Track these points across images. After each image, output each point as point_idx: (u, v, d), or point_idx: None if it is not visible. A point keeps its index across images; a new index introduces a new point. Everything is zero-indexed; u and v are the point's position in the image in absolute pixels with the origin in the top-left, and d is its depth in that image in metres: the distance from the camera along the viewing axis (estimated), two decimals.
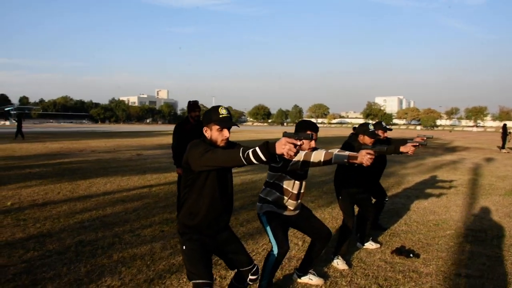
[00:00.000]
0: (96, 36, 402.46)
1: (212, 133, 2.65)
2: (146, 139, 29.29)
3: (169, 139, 28.87)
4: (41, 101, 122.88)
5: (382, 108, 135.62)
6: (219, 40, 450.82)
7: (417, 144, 4.13)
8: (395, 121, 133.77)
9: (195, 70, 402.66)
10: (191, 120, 5.72)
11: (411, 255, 4.73)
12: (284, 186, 3.46)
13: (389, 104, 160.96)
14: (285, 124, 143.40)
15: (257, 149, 2.23)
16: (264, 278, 3.46)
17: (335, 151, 3.20)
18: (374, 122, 5.30)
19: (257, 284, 3.54)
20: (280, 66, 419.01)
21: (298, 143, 2.19)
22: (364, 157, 3.01)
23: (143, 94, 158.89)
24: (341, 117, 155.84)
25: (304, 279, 3.88)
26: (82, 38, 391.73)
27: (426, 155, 19.18)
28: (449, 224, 6.28)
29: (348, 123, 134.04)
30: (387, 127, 5.25)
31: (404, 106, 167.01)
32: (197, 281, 2.55)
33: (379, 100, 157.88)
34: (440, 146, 28.26)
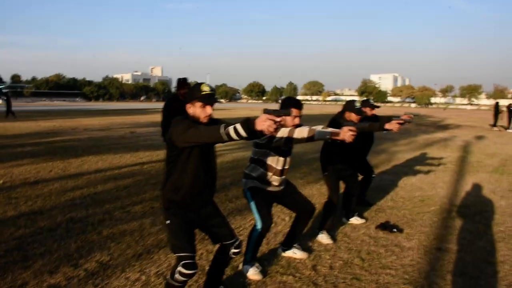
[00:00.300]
0: (90, 13, 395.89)
1: (195, 109, 2.69)
2: (140, 117, 29.21)
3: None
4: (34, 79, 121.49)
5: (377, 86, 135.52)
6: (215, 17, 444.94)
7: (402, 121, 4.20)
8: (389, 98, 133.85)
9: (190, 47, 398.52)
10: (181, 97, 5.75)
11: (394, 230, 4.85)
12: (268, 162, 3.53)
13: (384, 82, 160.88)
14: (279, 101, 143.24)
15: (238, 125, 2.29)
16: (248, 252, 3.56)
17: (319, 127, 3.26)
18: (362, 100, 5.37)
19: (242, 258, 3.65)
20: (275, 43, 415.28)
21: (278, 119, 2.25)
22: (346, 134, 3.07)
23: (137, 72, 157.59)
24: (336, 94, 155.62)
25: (289, 253, 3.99)
26: (76, 15, 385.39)
27: (418, 133, 19.33)
28: (434, 200, 6.42)
29: (343, 100, 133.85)
30: (375, 104, 5.31)
31: (399, 84, 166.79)
32: (181, 254, 2.64)
33: (374, 78, 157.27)
34: (432, 123, 28.44)
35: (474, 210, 5.87)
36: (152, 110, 40.83)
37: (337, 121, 4.46)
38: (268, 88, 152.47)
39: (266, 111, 2.42)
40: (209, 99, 2.68)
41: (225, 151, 11.03)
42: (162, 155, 10.38)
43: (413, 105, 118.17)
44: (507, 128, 22.12)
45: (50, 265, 3.73)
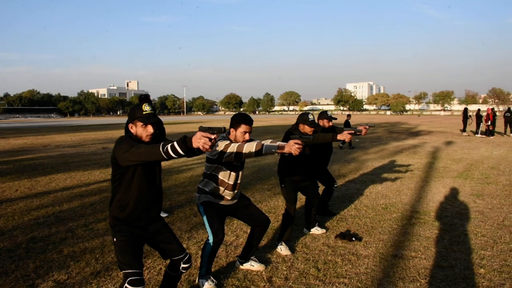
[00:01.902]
0: (64, 28, 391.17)
1: (137, 129, 2.77)
2: (114, 132, 28.93)
3: None
4: (6, 95, 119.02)
5: (352, 95, 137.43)
6: (191, 29, 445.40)
7: (352, 131, 4.37)
8: (365, 106, 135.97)
9: (166, 61, 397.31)
10: None
11: (353, 238, 4.97)
12: (220, 177, 3.61)
13: (360, 90, 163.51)
14: (257, 112, 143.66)
15: (175, 143, 2.38)
16: (202, 266, 3.62)
17: (267, 141, 3.36)
18: (320, 112, 5.52)
19: (198, 273, 3.70)
20: (253, 54, 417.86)
21: (212, 136, 2.35)
22: (292, 147, 3.18)
23: (112, 86, 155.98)
24: (312, 104, 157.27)
25: (246, 266, 4.06)
26: (49, 30, 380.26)
27: (389, 140, 19.73)
28: (397, 207, 6.59)
29: (319, 109, 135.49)
30: (332, 116, 5.46)
31: (374, 92, 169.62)
32: (127, 270, 2.68)
33: (349, 87, 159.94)
34: (405, 130, 29.03)
35: (434, 216, 6.06)
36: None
37: (292, 133, 4.59)
38: (245, 99, 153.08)
39: (201, 129, 2.52)
40: (150, 118, 2.76)
41: (194, 165, 11.06)
42: None
43: (388, 112, 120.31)
44: (475, 133, 22.75)
45: (5, 286, 3.70)
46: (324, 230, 5.30)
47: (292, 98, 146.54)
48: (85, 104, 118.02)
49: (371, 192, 7.84)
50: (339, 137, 4.33)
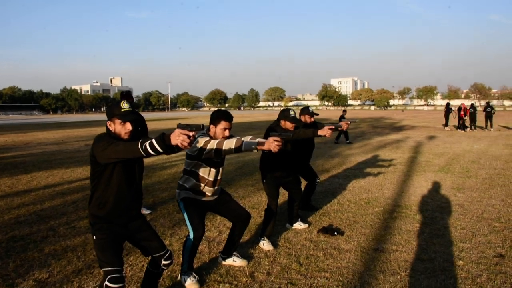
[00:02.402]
0: (45, 23, 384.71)
1: (116, 126, 2.75)
2: (97, 129, 28.51)
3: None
4: None
5: (337, 90, 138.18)
6: (175, 25, 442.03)
7: (333, 127, 4.42)
8: (350, 102, 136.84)
9: (150, 56, 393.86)
10: None
11: (335, 233, 5.03)
12: (200, 173, 3.61)
13: (344, 86, 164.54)
14: (242, 108, 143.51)
15: (153, 140, 2.37)
16: (184, 262, 3.63)
17: (247, 138, 3.37)
18: (301, 108, 5.54)
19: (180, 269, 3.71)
20: (236, 50, 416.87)
21: (191, 134, 2.36)
22: (272, 144, 3.19)
23: (96, 82, 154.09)
24: (297, 99, 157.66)
25: (228, 261, 4.08)
26: (30, 25, 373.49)
27: (373, 135, 19.93)
28: (379, 202, 6.67)
29: (304, 105, 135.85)
30: (314, 112, 5.49)
31: (358, 87, 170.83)
32: (107, 268, 2.67)
33: (334, 82, 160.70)
34: (388, 125, 29.36)
35: (415, 210, 6.15)
36: None
37: (273, 129, 4.60)
38: (230, 95, 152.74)
39: (179, 126, 2.52)
40: (128, 116, 2.74)
41: (178, 161, 11.02)
42: None
43: (372, 107, 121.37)
44: (458, 127, 23.11)
45: None
46: (306, 225, 5.34)
47: (277, 93, 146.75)
48: (68, 100, 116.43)
49: (354, 186, 7.92)
50: (320, 132, 4.37)
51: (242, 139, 3.33)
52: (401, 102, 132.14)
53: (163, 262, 3.00)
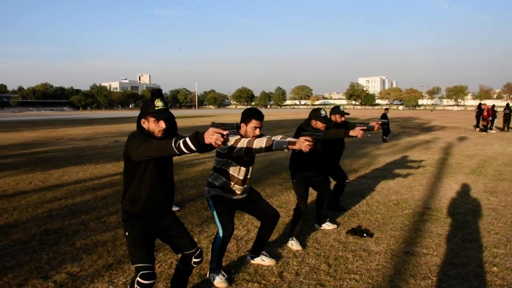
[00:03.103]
0: (76, 21, 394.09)
1: (149, 124, 2.78)
2: (126, 125, 29.14)
3: None
4: (20, 89, 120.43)
5: (364, 89, 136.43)
6: (203, 22, 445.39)
7: (365, 127, 4.34)
8: (378, 101, 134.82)
9: (178, 54, 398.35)
10: None
11: (364, 234, 4.95)
12: (230, 172, 3.61)
13: (372, 85, 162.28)
14: (268, 106, 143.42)
15: (187, 139, 2.38)
16: (213, 260, 3.64)
17: (278, 137, 3.35)
18: (332, 107, 5.48)
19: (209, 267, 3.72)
20: (265, 48, 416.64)
21: (225, 133, 2.36)
22: (303, 144, 3.15)
23: (124, 79, 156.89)
24: (324, 98, 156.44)
25: (257, 260, 4.07)
26: (61, 23, 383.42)
27: (402, 135, 19.58)
28: (409, 204, 6.54)
29: (331, 104, 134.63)
30: (344, 111, 5.42)
31: (386, 87, 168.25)
32: (138, 264, 2.71)
33: (362, 81, 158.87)
34: (417, 126, 28.78)
35: (446, 213, 6.00)
36: None
37: (304, 129, 4.56)
38: (257, 93, 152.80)
39: (214, 125, 2.52)
40: (162, 114, 2.76)
41: (206, 159, 11.09)
42: None
43: (400, 107, 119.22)
44: (489, 129, 22.45)
45: (20, 277, 3.76)
46: (335, 226, 5.28)
47: (303, 92, 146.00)
48: (97, 97, 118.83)
49: (382, 187, 7.79)
50: (352, 133, 4.31)
51: (273, 138, 3.30)
52: (430, 102, 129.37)
53: (194, 260, 3.02)
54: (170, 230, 2.97)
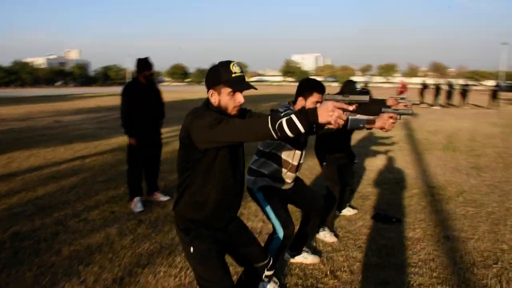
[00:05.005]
0: None
1: (222, 97, 2.01)
2: (62, 104, 26.69)
3: (86, 103, 26.66)
4: None
5: (299, 66, 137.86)
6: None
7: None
8: (312, 78, 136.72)
9: (109, 29, 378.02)
10: (143, 81, 4.89)
11: (393, 219, 4.50)
12: (283, 157, 2.94)
13: (306, 62, 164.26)
14: (203, 83, 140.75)
15: (294, 117, 1.67)
16: None
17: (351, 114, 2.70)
18: (345, 80, 4.87)
19: None
20: (198, 25, 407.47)
21: (351, 108, 1.70)
22: (387, 122, 2.50)
23: (52, 55, 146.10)
24: (259, 75, 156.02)
25: (299, 259, 3.45)
26: None
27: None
28: (409, 183, 6.22)
29: (267, 80, 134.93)
30: (364, 89, 4.83)
31: (320, 64, 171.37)
32: None
33: (296, 58, 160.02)
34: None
35: (453, 192, 5.72)
36: (72, 96, 37.99)
37: None
38: (191, 69, 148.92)
39: (329, 97, 1.84)
40: (241, 83, 2.01)
41: (172, 138, 10.12)
42: (101, 146, 9.33)
43: (334, 84, 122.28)
44: (432, 105, 23.22)
45: None
46: (356, 211, 4.79)
47: None
48: (20, 74, 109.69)
49: (372, 166, 7.45)
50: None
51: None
52: (362, 79, 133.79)
53: (266, 273, 2.32)
54: (238, 237, 2.25)
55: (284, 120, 1.69)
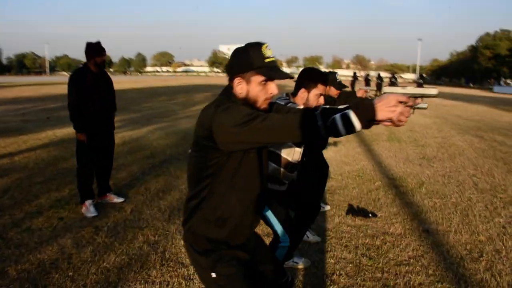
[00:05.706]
0: None
1: (251, 87, 1.63)
2: None
3: (3, 93, 24.18)
4: None
5: (227, 57, 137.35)
6: None
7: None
8: None
9: (23, 14, 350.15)
10: (93, 69, 4.29)
11: (370, 215, 4.37)
12: (283, 155, 2.63)
13: None
14: (128, 73, 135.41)
15: (351, 112, 1.36)
16: None
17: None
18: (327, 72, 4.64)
19: None
20: (121, 12, 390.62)
21: (412, 104, 1.45)
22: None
23: None
24: (185, 65, 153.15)
25: (289, 264, 3.17)
26: None
27: None
28: (370, 175, 6.20)
29: (193, 71, 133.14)
30: (342, 83, 4.59)
31: None
32: None
33: (223, 48, 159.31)
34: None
35: (413, 183, 5.78)
36: None
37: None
38: (115, 59, 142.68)
39: (388, 90, 1.59)
40: (278, 71, 1.65)
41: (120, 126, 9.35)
42: (30, 141, 8.37)
43: None
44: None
45: None
46: (329, 207, 4.62)
47: (165, 58, 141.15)
48: None
49: (327, 158, 7.30)
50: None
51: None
52: (288, 70, 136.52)
53: None
54: (256, 254, 1.89)
55: (338, 116, 1.37)
